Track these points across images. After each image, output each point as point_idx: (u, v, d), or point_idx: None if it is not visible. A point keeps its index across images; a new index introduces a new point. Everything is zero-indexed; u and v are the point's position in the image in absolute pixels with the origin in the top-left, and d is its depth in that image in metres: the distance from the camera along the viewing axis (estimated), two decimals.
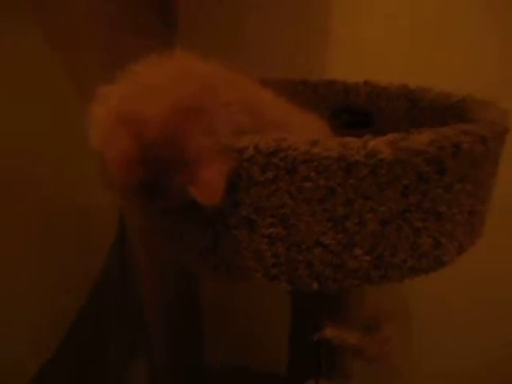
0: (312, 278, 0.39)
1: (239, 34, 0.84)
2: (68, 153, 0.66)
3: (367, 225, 0.37)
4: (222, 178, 0.34)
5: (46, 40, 0.60)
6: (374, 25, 0.83)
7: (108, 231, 0.79)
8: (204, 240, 0.41)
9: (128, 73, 0.36)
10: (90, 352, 0.73)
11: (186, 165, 0.34)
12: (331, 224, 0.37)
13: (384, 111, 0.71)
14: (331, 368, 0.53)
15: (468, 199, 0.41)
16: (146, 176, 0.33)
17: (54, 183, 0.68)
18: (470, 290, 0.86)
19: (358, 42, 0.83)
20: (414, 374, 0.90)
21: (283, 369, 0.73)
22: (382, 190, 0.36)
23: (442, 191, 0.38)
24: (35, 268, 0.65)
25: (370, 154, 0.34)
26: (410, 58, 0.82)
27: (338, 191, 0.36)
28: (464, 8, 0.77)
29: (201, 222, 0.41)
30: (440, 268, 0.42)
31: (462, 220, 0.41)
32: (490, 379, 0.89)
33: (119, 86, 0.36)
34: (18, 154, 0.58)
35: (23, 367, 0.60)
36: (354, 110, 0.74)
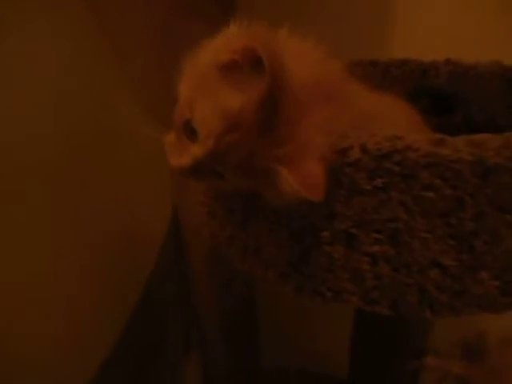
0: (424, 305, 0.32)
1: (302, 14, 0.76)
2: (115, 152, 0.62)
3: (501, 244, 0.29)
4: (324, 176, 0.28)
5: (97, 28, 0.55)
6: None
7: (159, 228, 0.76)
8: (288, 256, 0.35)
9: None
10: (147, 352, 0.70)
11: (286, 143, 0.28)
12: (454, 242, 0.30)
13: (471, 94, 0.61)
14: None
15: None
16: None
17: (99, 179, 0.65)
18: None
19: (425, 21, 0.73)
20: None
21: (343, 371, 0.67)
22: None
23: None
24: (82, 268, 0.62)
25: None
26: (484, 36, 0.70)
27: (468, 202, 0.28)
28: None
29: (286, 234, 0.35)
30: None
31: None
32: None
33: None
34: (67, 150, 0.54)
35: (82, 367, 0.58)
36: (433, 93, 0.64)
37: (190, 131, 0.30)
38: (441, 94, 0.63)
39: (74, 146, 0.50)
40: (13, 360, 0.40)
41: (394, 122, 0.41)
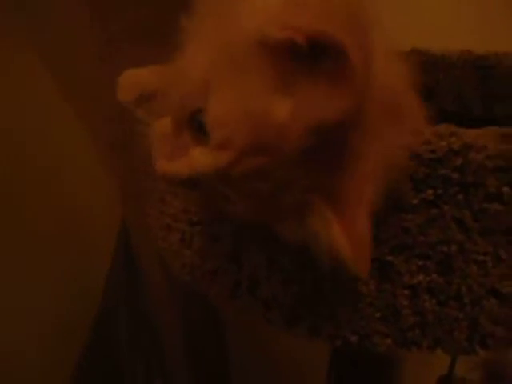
0: (473, 342, 0.26)
1: None
2: (63, 158, 0.56)
3: None
4: (370, 242, 0.19)
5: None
6: None
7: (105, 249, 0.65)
8: (297, 293, 0.27)
9: None
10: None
11: (340, 179, 0.18)
12: None
13: (443, 84, 0.58)
14: None
15: None
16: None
17: (46, 190, 0.57)
18: None
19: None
20: None
21: None
22: None
23: None
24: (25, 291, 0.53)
25: None
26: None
27: None
28: None
29: (294, 265, 0.26)
30: None
31: None
32: None
33: None
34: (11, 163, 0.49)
35: None
36: None
37: (197, 126, 0.19)
38: None
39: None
40: None
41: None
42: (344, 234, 0.18)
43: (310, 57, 0.16)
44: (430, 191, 0.22)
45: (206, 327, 0.71)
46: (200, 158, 0.19)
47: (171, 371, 0.70)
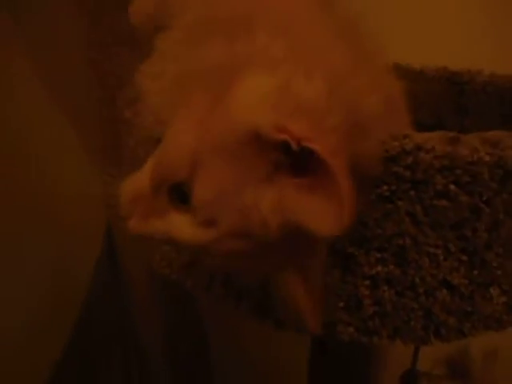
0: (428, 331, 0.28)
1: None
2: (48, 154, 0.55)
3: None
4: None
5: None
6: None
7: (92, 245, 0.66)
8: (266, 283, 0.29)
9: None
10: None
11: None
12: (466, 257, 0.26)
13: (420, 99, 0.61)
14: None
15: None
16: None
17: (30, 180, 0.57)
18: None
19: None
20: None
21: None
22: None
23: None
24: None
25: None
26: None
27: (485, 210, 0.24)
28: None
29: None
30: None
31: None
32: None
33: None
34: None
35: None
36: None
37: (177, 193, 0.20)
38: None
39: None
40: None
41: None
42: (307, 296, 0.21)
43: (299, 155, 0.17)
44: (385, 187, 0.24)
45: (187, 327, 0.72)
46: (181, 228, 0.20)
47: (150, 370, 0.70)
